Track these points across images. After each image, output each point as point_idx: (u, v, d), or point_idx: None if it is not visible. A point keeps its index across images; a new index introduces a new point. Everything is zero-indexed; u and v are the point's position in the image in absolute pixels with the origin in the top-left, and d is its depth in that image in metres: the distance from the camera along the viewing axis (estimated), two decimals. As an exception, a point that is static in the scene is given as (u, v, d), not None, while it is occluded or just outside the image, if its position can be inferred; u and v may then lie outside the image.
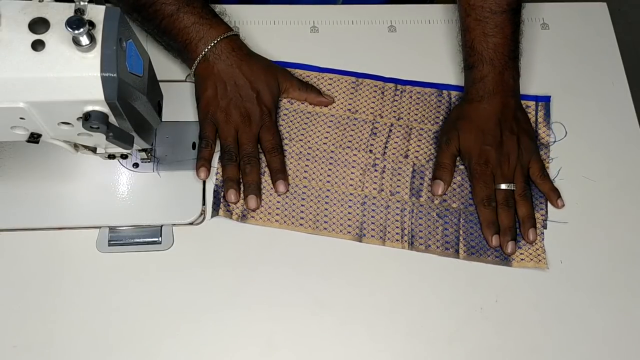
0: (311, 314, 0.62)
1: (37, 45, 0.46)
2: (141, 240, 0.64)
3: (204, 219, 0.66)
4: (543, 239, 0.67)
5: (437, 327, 0.62)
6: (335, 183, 0.69)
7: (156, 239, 0.64)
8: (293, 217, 0.67)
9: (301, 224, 0.66)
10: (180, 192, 0.66)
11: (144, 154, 0.65)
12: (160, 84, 0.59)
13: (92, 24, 0.46)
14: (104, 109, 0.49)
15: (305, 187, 0.69)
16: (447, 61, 0.77)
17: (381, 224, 0.67)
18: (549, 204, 0.69)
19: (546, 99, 0.74)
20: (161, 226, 0.65)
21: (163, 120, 0.60)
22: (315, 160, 0.70)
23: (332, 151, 0.71)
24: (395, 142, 0.72)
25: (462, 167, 0.70)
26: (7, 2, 0.47)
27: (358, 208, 0.68)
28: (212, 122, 0.68)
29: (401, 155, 0.71)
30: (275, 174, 0.68)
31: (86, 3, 0.46)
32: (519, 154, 0.69)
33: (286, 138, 0.71)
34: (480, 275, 0.65)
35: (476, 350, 0.62)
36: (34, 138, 0.53)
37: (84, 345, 0.60)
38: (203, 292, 0.63)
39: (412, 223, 0.67)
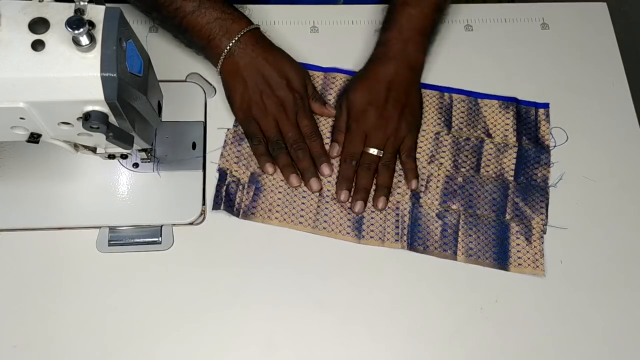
0: (311, 313, 0.62)
1: (37, 45, 0.46)
2: (141, 240, 0.64)
3: (204, 219, 0.66)
4: (542, 243, 0.66)
5: (437, 327, 0.62)
6: (336, 182, 0.69)
7: (156, 239, 0.64)
8: (293, 214, 0.67)
9: (301, 222, 0.66)
10: (180, 192, 0.66)
11: (144, 154, 0.65)
12: (160, 84, 0.59)
13: (92, 24, 0.46)
14: (104, 109, 0.49)
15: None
16: (446, 61, 0.77)
17: (380, 225, 0.67)
18: (549, 209, 0.68)
19: (545, 106, 0.74)
20: (161, 226, 0.65)
21: (163, 120, 0.60)
22: None
23: (333, 150, 0.71)
24: (396, 143, 0.72)
25: (463, 170, 0.70)
26: (7, 2, 0.47)
27: (358, 208, 0.68)
28: (252, 118, 0.69)
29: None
30: (319, 158, 0.68)
31: (86, 3, 0.46)
32: (398, 125, 0.69)
33: None
34: (480, 275, 0.65)
35: (476, 350, 0.62)
36: (34, 138, 0.53)
37: (84, 345, 0.60)
38: (203, 292, 0.63)
39: (411, 224, 0.67)
